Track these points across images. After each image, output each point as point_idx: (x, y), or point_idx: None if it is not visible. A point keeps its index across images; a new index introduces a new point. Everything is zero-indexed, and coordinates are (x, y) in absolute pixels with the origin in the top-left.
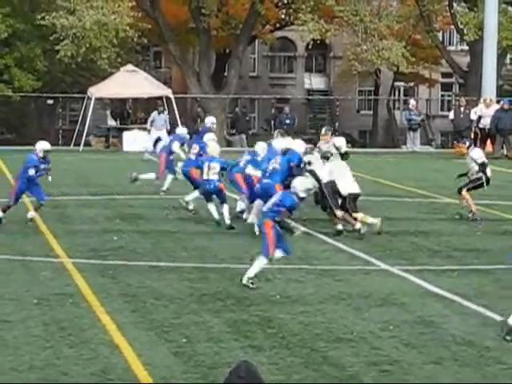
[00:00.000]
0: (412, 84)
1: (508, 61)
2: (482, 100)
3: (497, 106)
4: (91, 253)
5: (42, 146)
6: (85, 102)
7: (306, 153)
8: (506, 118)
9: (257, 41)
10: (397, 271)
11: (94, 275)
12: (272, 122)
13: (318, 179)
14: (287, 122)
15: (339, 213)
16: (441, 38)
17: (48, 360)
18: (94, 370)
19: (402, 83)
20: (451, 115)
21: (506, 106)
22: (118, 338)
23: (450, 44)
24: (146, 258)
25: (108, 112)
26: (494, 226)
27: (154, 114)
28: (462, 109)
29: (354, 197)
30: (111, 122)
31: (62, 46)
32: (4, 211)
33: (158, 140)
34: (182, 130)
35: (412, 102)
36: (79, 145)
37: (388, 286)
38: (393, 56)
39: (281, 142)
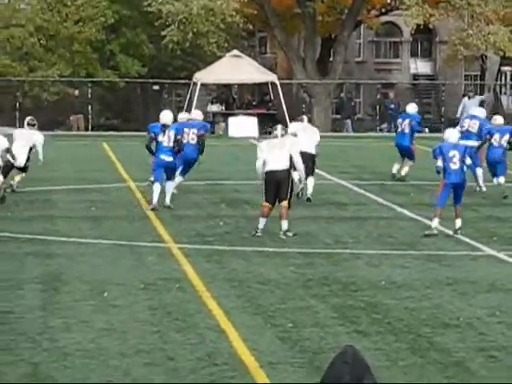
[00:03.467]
0: None
1: None
2: None
3: None
4: (197, 238)
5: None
6: (190, 87)
7: None
8: None
9: (362, 26)
10: (503, 257)
11: (199, 260)
12: (377, 107)
13: None
14: (392, 106)
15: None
16: None
17: (155, 344)
18: (201, 355)
19: (508, 68)
20: None
21: None
22: (225, 323)
23: None
24: (251, 243)
25: (210, 98)
26: None
27: (465, 100)
28: None
29: None
30: (210, 108)
31: (168, 32)
32: None
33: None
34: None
35: None
36: None
37: (494, 271)
38: (499, 41)
39: None
